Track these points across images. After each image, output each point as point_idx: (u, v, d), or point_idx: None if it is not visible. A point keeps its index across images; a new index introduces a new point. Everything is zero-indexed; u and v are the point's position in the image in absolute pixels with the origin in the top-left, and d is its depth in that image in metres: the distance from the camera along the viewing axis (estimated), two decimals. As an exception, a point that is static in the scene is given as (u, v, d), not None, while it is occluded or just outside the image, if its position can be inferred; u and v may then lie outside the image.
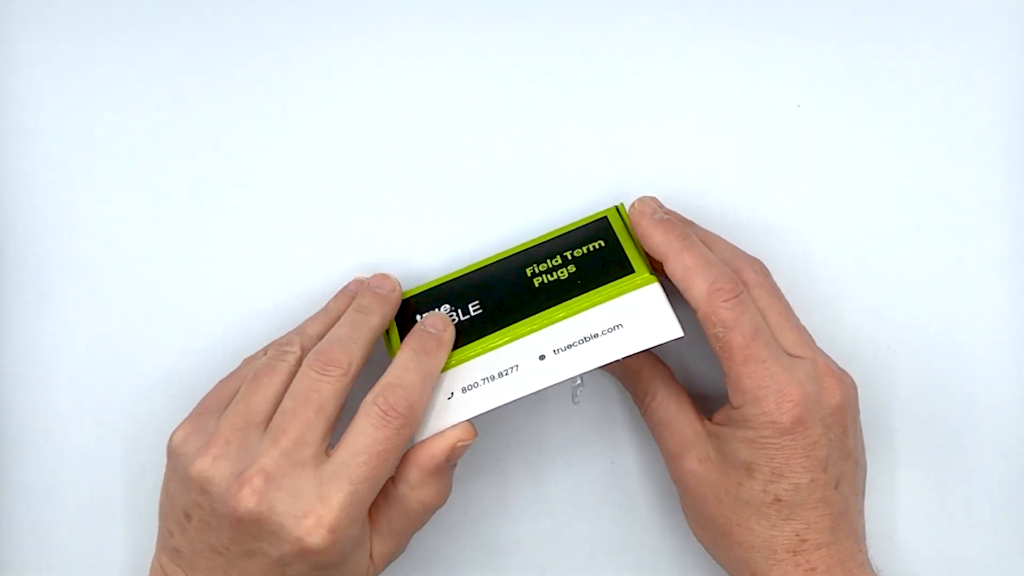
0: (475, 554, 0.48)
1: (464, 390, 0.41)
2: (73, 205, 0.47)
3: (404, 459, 0.40)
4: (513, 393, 0.40)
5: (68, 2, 0.47)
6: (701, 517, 0.42)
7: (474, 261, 0.45)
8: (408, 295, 0.45)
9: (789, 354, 0.40)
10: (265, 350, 0.43)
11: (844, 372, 0.41)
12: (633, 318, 0.41)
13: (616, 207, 0.45)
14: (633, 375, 0.44)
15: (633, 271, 0.42)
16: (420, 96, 0.47)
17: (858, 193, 0.47)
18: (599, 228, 0.44)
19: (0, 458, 0.47)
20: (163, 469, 0.41)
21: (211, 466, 0.38)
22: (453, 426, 0.40)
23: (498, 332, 0.42)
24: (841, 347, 0.44)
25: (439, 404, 0.41)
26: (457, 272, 0.45)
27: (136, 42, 0.48)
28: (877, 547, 0.43)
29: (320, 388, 0.39)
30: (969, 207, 0.47)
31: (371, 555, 0.41)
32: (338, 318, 0.43)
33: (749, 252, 0.43)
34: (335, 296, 0.45)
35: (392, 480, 0.40)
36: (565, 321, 0.41)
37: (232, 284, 0.47)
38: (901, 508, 0.47)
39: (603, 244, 0.43)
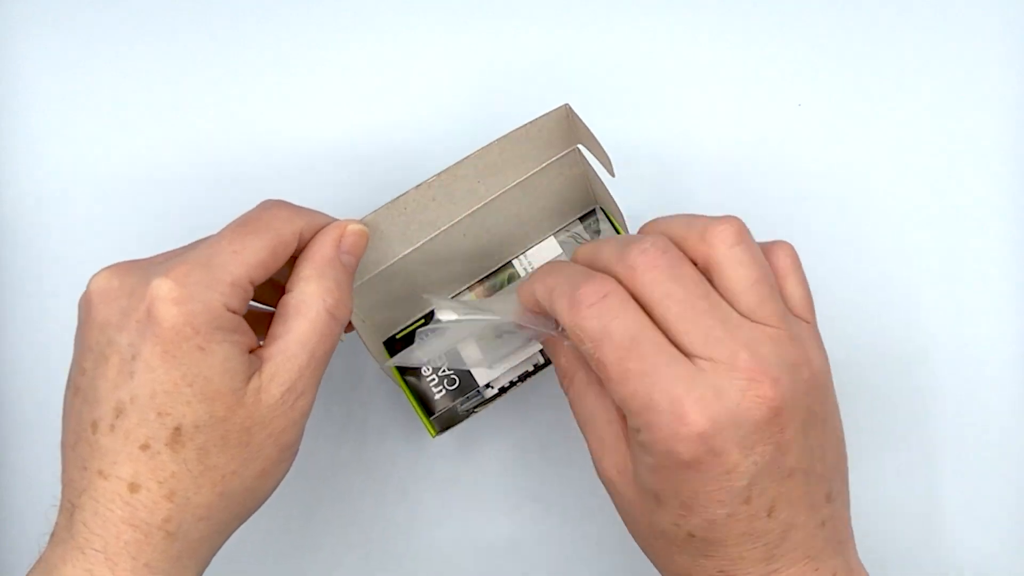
0: (475, 554, 0.47)
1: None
2: (73, 205, 0.48)
3: (295, 265, 0.37)
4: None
5: (68, 2, 0.47)
6: (630, 531, 0.37)
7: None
8: None
9: (695, 356, 0.31)
10: None
11: (786, 369, 0.32)
12: None
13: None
14: (551, 349, 0.38)
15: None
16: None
17: (858, 192, 0.47)
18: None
19: (0, 457, 0.47)
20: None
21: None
22: (341, 220, 0.38)
23: None
24: (839, 348, 0.44)
25: None
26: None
27: (136, 42, 0.48)
28: (876, 549, 0.43)
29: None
30: (970, 206, 0.47)
31: (257, 384, 0.34)
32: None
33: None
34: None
35: (286, 291, 0.36)
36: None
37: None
38: (900, 509, 0.47)
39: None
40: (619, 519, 0.47)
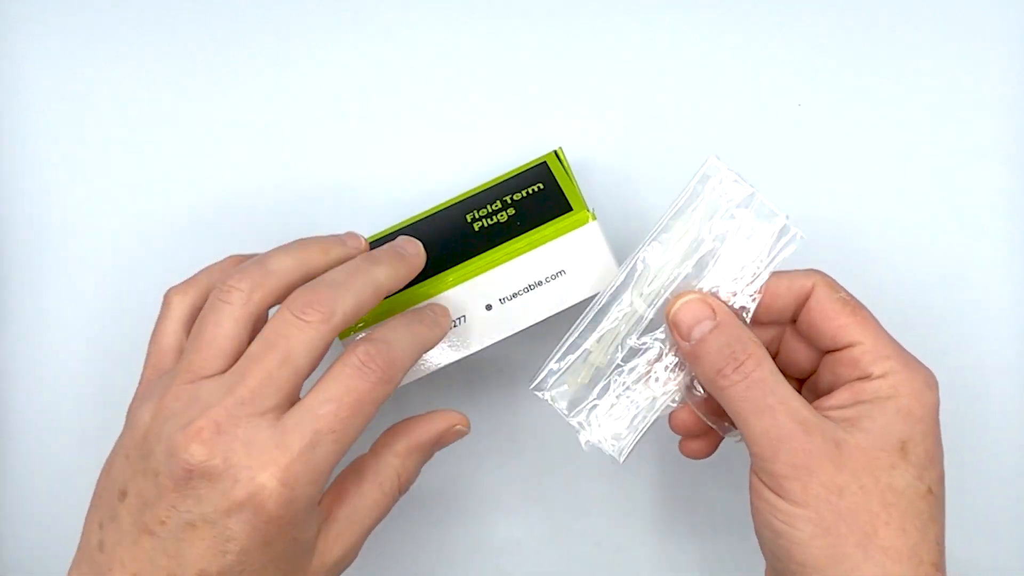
0: (475, 554, 0.47)
1: None
2: (73, 204, 0.48)
3: (393, 431, 0.39)
4: (464, 351, 0.41)
5: (68, 2, 0.47)
6: (826, 518, 0.33)
7: (414, 214, 0.45)
8: None
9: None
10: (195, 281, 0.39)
11: None
12: (574, 263, 0.41)
13: (555, 151, 0.45)
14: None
15: (571, 209, 0.41)
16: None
17: (858, 192, 0.47)
18: (538, 172, 0.44)
19: (0, 458, 0.47)
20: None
21: (155, 422, 0.34)
22: (453, 411, 0.40)
23: (441, 275, 0.41)
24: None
25: None
26: (396, 225, 0.45)
27: (136, 42, 0.48)
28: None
29: (290, 333, 0.34)
30: (970, 206, 0.47)
31: (322, 546, 0.36)
32: (317, 257, 0.38)
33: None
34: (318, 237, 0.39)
35: (372, 451, 0.39)
36: (507, 264, 0.41)
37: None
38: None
39: (542, 187, 0.43)
40: (615, 519, 0.48)
